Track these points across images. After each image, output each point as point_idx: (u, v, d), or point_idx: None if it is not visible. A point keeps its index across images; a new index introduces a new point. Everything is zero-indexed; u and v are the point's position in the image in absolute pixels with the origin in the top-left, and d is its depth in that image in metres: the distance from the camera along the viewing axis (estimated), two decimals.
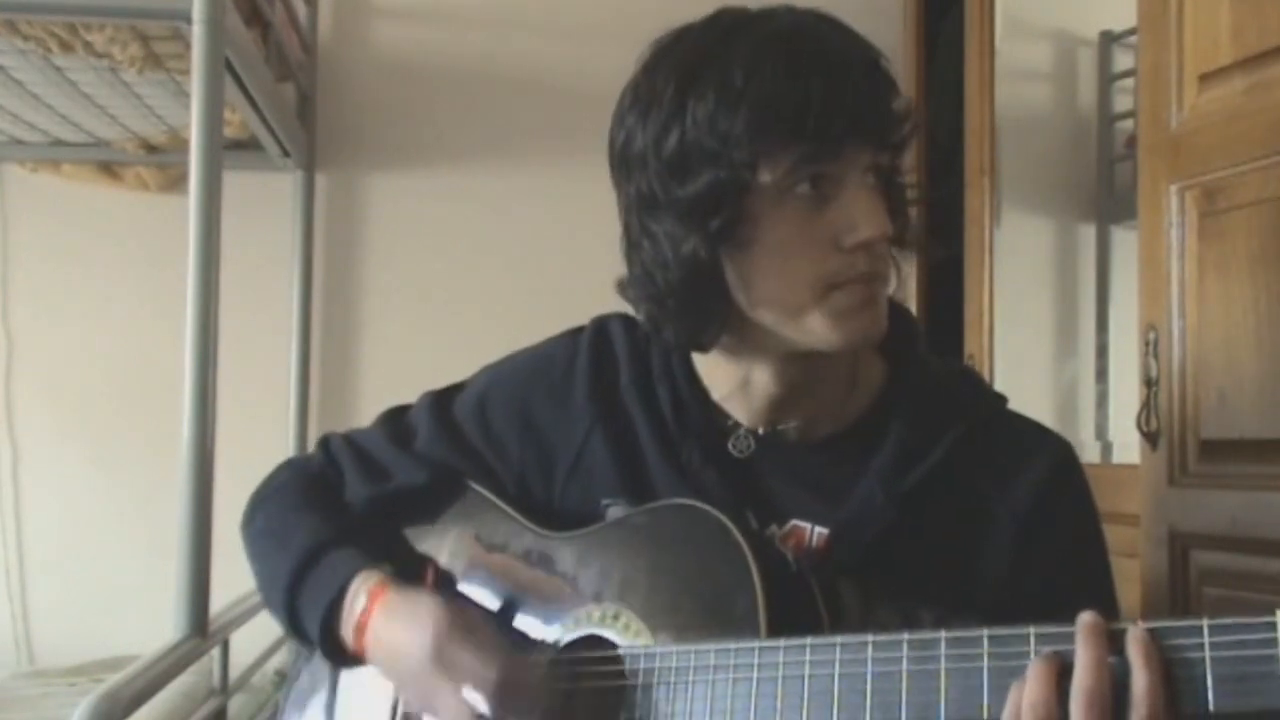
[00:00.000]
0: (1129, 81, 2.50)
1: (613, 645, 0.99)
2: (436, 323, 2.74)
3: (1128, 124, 2.50)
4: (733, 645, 0.91)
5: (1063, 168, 2.62)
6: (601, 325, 1.15)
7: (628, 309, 1.08)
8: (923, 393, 1.05)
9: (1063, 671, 0.78)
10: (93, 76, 2.09)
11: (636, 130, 0.97)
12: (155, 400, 2.51)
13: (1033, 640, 0.80)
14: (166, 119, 2.42)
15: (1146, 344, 1.64)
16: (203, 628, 1.64)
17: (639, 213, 0.99)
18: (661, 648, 0.95)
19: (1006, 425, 1.08)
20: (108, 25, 1.87)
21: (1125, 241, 2.46)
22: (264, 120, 2.26)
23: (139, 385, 2.64)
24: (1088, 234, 2.59)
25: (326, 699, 1.15)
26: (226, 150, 1.77)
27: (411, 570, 1.10)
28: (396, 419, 1.20)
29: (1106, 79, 2.61)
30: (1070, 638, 0.79)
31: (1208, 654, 0.74)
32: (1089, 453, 2.43)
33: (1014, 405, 1.10)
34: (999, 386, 1.57)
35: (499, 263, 2.77)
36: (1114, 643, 0.78)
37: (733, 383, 1.05)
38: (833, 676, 0.85)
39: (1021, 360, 2.43)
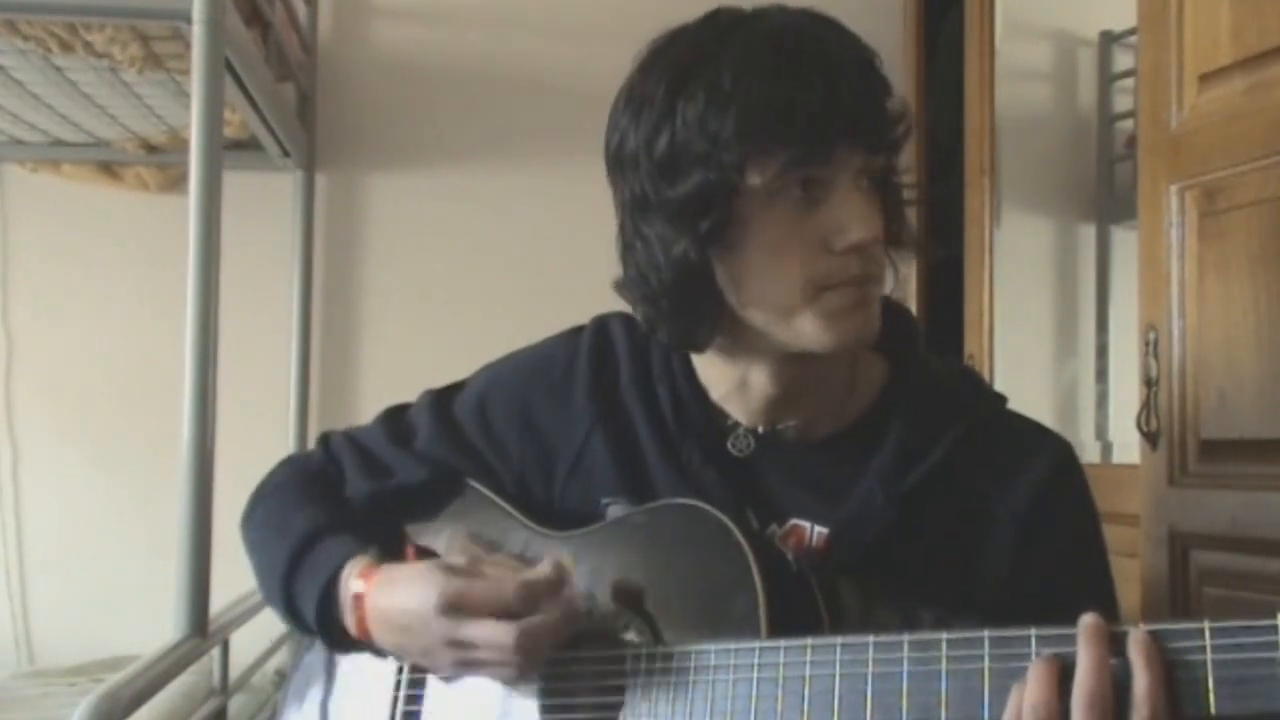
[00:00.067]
0: (1129, 81, 2.50)
1: (613, 645, 0.99)
2: (436, 323, 2.74)
3: (1128, 124, 2.50)
4: (733, 645, 0.91)
5: (1063, 168, 2.62)
6: (602, 325, 1.15)
7: (628, 308, 1.08)
8: (923, 393, 1.06)
9: (1064, 673, 0.78)
10: (93, 76, 2.09)
11: (629, 131, 0.97)
12: (155, 400, 2.51)
13: (1034, 642, 0.80)
14: (166, 119, 2.41)
15: (1146, 344, 1.64)
16: (203, 628, 1.64)
17: (632, 214, 0.99)
18: (661, 648, 0.95)
19: (1006, 425, 1.08)
20: (108, 25, 1.86)
21: (1125, 241, 2.46)
22: (264, 120, 2.26)
23: (139, 385, 2.64)
24: (1088, 234, 2.59)
25: (324, 692, 1.15)
26: (226, 150, 1.77)
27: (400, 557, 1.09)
28: (396, 418, 1.20)
29: (1106, 79, 2.61)
30: (1071, 640, 0.79)
31: (1209, 656, 0.74)
32: (1089, 453, 2.43)
33: (1014, 405, 1.10)
34: (999, 386, 1.57)
35: (499, 263, 2.77)
36: (1115, 645, 0.78)
37: (730, 382, 1.05)
38: (834, 677, 0.85)
39: (1021, 360, 2.43)
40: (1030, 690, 0.78)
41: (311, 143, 2.73)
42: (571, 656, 1.01)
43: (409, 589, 0.97)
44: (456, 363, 1.24)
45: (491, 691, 1.03)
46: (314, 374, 2.74)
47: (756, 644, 0.90)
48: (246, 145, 2.49)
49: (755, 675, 0.89)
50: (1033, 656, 0.80)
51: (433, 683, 1.06)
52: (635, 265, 1.00)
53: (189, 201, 1.65)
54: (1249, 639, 0.73)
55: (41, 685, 2.28)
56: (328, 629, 1.04)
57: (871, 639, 0.85)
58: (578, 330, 1.16)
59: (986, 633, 0.82)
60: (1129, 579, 1.60)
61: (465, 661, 0.96)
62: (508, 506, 1.11)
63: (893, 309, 1.08)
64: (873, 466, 1.02)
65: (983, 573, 1.01)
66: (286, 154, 2.57)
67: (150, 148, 2.62)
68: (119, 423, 2.67)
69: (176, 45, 1.90)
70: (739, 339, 1.01)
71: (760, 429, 1.06)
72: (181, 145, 2.43)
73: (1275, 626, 0.72)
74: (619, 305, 1.09)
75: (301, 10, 2.62)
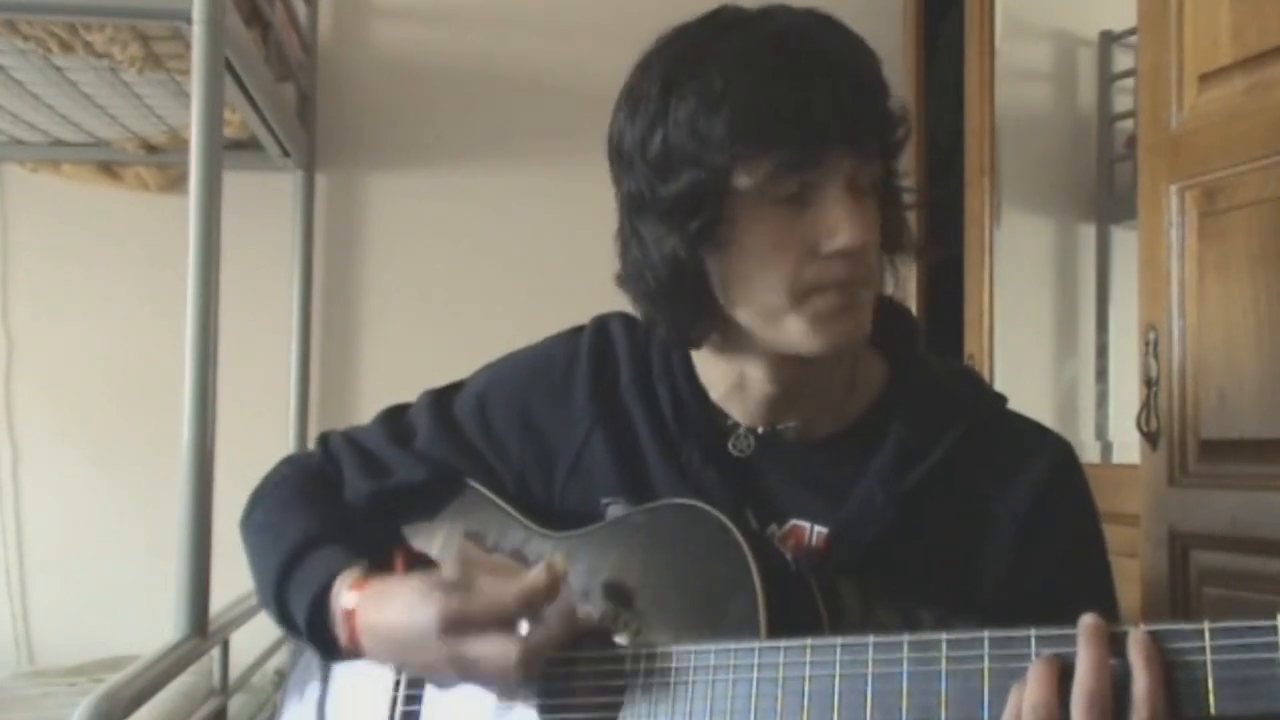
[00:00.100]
0: (1129, 81, 2.50)
1: (612, 645, 0.99)
2: (436, 323, 2.74)
3: (1128, 124, 2.50)
4: (733, 646, 0.91)
5: (1063, 168, 2.62)
6: (602, 325, 1.15)
7: (627, 308, 1.08)
8: (923, 393, 1.05)
9: (1064, 673, 0.78)
10: (93, 76, 2.09)
11: (626, 128, 0.98)
12: (155, 400, 2.51)
13: (1034, 642, 0.80)
14: (166, 119, 2.41)
15: (1146, 344, 1.64)
16: (203, 628, 1.64)
17: (629, 210, 1.00)
18: (661, 648, 0.95)
19: (1006, 425, 1.08)
20: (108, 25, 1.86)
21: (1125, 241, 2.46)
22: (264, 120, 2.26)
23: (139, 385, 2.64)
24: (1088, 234, 2.59)
25: (323, 691, 1.15)
26: (226, 150, 1.77)
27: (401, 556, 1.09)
28: (396, 417, 1.20)
29: (1106, 79, 2.61)
30: (1071, 640, 0.79)
31: (1209, 657, 0.74)
32: (1089, 453, 2.43)
33: (1014, 405, 1.09)
34: (999, 386, 1.57)
35: (499, 263, 2.77)
36: (1115, 645, 0.78)
37: (729, 382, 1.06)
38: (833, 677, 0.85)
39: (1021, 360, 2.43)
40: (1030, 690, 0.78)
41: (311, 143, 2.73)
42: (571, 656, 1.01)
43: (406, 606, 0.96)
44: (456, 363, 1.24)
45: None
46: (314, 374, 2.74)
47: (756, 644, 0.89)
48: (246, 145, 2.49)
49: (755, 675, 0.89)
50: (1033, 657, 0.80)
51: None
52: (632, 261, 1.00)
53: (189, 201, 1.65)
54: (1249, 640, 0.73)
55: (41, 685, 2.28)
56: (319, 640, 1.04)
57: (871, 639, 0.85)
58: (577, 330, 1.16)
59: (986, 633, 0.82)
60: (1129, 579, 1.60)
61: (468, 676, 0.96)
62: (507, 507, 1.11)
63: (893, 309, 1.08)
64: (873, 466, 1.02)
65: (983, 573, 1.01)
66: (286, 154, 2.57)
67: (150, 148, 2.62)
68: (119, 423, 2.67)
69: (176, 45, 1.90)
70: (734, 337, 1.01)
71: (760, 429, 1.06)
72: (181, 145, 2.43)
73: (1275, 627, 0.72)
74: (619, 305, 1.09)
75: (301, 10, 2.62)
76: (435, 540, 1.14)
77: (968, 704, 0.81)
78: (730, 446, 1.07)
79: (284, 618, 1.08)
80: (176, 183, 2.66)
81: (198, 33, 1.64)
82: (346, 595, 1.01)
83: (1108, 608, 0.99)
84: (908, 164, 1.03)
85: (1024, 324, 2.46)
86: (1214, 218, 1.56)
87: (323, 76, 2.76)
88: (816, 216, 0.93)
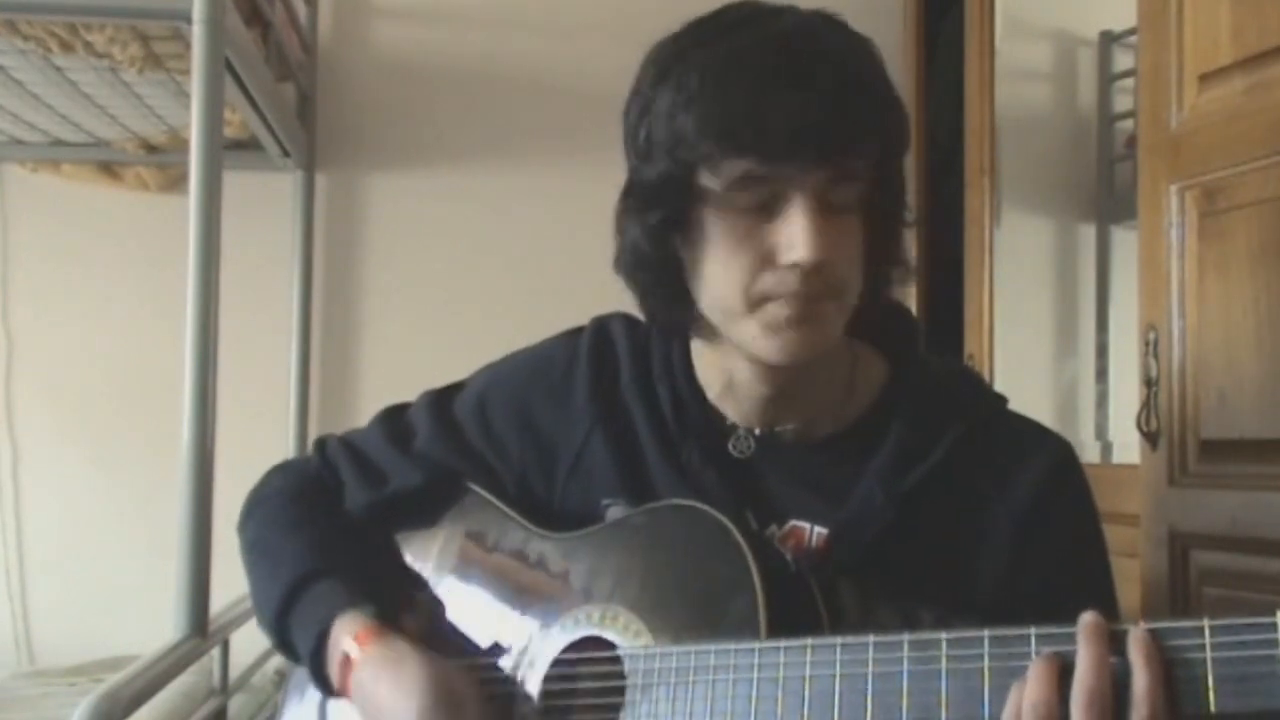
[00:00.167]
0: (1129, 81, 2.50)
1: (612, 646, 0.99)
2: (436, 323, 2.74)
3: (1128, 124, 2.50)
4: (733, 646, 0.91)
5: (1063, 168, 2.62)
6: (602, 325, 1.15)
7: (628, 309, 1.08)
8: (923, 393, 1.05)
9: (1064, 672, 0.78)
10: (93, 76, 2.09)
11: (627, 115, 1.00)
12: (155, 400, 2.51)
13: (1034, 641, 0.80)
14: (166, 119, 2.41)
15: (1146, 344, 1.64)
16: (203, 628, 1.64)
17: (621, 194, 1.01)
18: (661, 648, 0.95)
19: (1006, 425, 1.08)
20: (108, 25, 1.86)
21: (1125, 241, 2.46)
22: (264, 120, 2.26)
23: (139, 385, 2.64)
24: (1088, 234, 2.59)
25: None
26: (226, 150, 1.77)
27: (401, 591, 1.10)
28: (395, 418, 1.20)
29: (1106, 79, 2.61)
30: (1071, 638, 0.79)
31: (1209, 654, 0.74)
32: (1089, 453, 2.43)
33: (1014, 405, 1.09)
34: (999, 386, 1.57)
35: (499, 263, 2.76)
36: (1115, 643, 0.78)
37: (722, 381, 1.06)
38: (834, 677, 0.85)
39: (1021, 360, 2.43)
40: (1030, 689, 0.78)
41: (311, 143, 2.73)
42: (571, 658, 1.01)
43: (395, 692, 0.98)
44: (456, 363, 1.24)
45: (492, 693, 1.03)
46: (314, 374, 2.74)
47: (756, 644, 0.89)
48: (246, 145, 2.49)
49: (755, 676, 0.89)
50: (1033, 655, 0.80)
51: None
52: (617, 243, 1.02)
53: (189, 201, 1.65)
54: (1249, 637, 0.73)
55: (41, 685, 2.28)
56: (317, 676, 1.06)
57: (871, 639, 0.85)
58: (577, 331, 1.16)
59: (986, 632, 0.81)
60: (1129, 579, 1.60)
61: None
62: (507, 509, 1.11)
63: (893, 309, 1.08)
64: (872, 467, 1.02)
65: (982, 573, 1.01)
66: (286, 154, 2.57)
67: (150, 148, 2.62)
68: (119, 423, 2.67)
69: (176, 45, 1.90)
70: (714, 332, 1.02)
71: (758, 430, 1.06)
72: (181, 145, 2.43)
73: (1275, 624, 0.72)
74: (619, 305, 1.09)
75: (301, 10, 2.62)
76: (435, 544, 1.14)
77: (968, 703, 0.81)
78: (730, 447, 1.07)
79: (284, 648, 1.10)
80: (176, 183, 2.66)
81: (198, 33, 1.64)
82: (347, 641, 1.02)
83: (1108, 607, 0.99)
84: (908, 166, 1.02)
85: (1024, 324, 2.46)
86: (1214, 218, 1.56)
87: (323, 76, 2.76)
88: (778, 227, 0.93)
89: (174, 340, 1.66)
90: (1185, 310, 1.59)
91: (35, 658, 2.64)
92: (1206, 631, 0.75)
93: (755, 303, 0.95)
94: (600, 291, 1.08)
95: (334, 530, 1.14)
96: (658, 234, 0.97)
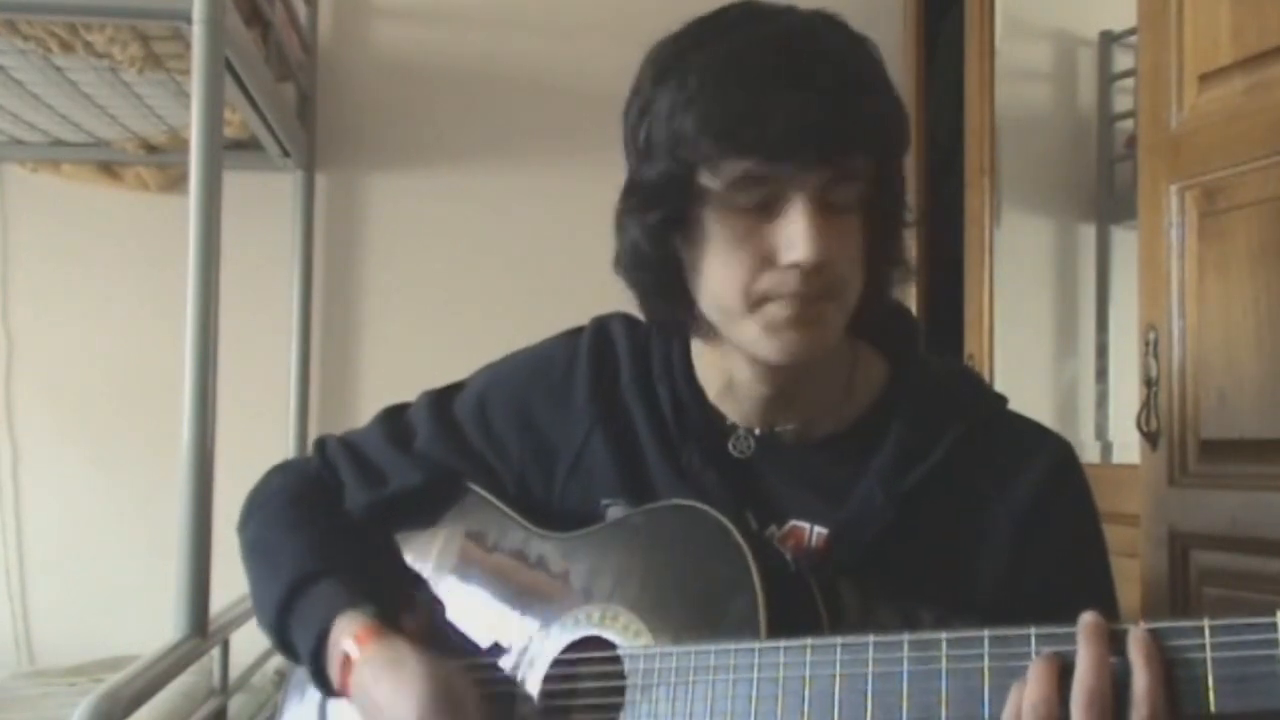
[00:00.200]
0: (1129, 81, 2.50)
1: (612, 646, 0.99)
2: (436, 323, 2.74)
3: (1128, 124, 2.50)
4: (733, 646, 0.91)
5: (1063, 168, 2.62)
6: (602, 325, 1.15)
7: (628, 309, 1.08)
8: (923, 393, 1.05)
9: (1064, 672, 0.78)
10: (93, 76, 2.09)
11: (627, 115, 1.00)
12: (155, 400, 2.51)
13: (1034, 640, 0.80)
14: (166, 119, 2.41)
15: (1146, 344, 1.64)
16: (203, 628, 1.64)
17: (621, 193, 1.01)
18: (661, 649, 0.95)
19: (1006, 425, 1.08)
20: (108, 25, 1.86)
21: (1125, 241, 2.46)
22: (264, 120, 2.26)
23: (139, 385, 2.64)
24: (1088, 234, 2.59)
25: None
26: (226, 150, 1.77)
27: (401, 591, 1.10)
28: (395, 418, 1.20)
29: (1106, 79, 2.61)
30: (1071, 638, 0.79)
31: (1209, 654, 0.74)
32: (1089, 453, 2.43)
33: (1014, 405, 1.09)
34: (999, 386, 1.57)
35: (499, 263, 2.76)
36: (1115, 643, 0.78)
37: (721, 381, 1.06)
38: (834, 677, 0.85)
39: (1021, 360, 2.43)
40: (1030, 689, 0.78)
41: (311, 143, 2.73)
42: (571, 658, 1.01)
43: (394, 694, 0.98)
44: (456, 363, 1.24)
45: (492, 693, 1.03)
46: (314, 374, 2.74)
47: (756, 644, 0.89)
48: (246, 145, 2.49)
49: (755, 676, 0.89)
50: (1033, 655, 0.80)
51: None
52: (617, 243, 1.02)
53: (189, 201, 1.65)
54: (1248, 637, 0.73)
55: (41, 685, 2.28)
56: (318, 676, 1.06)
57: (871, 639, 0.85)
58: (577, 331, 1.16)
59: (986, 632, 0.81)
60: (1129, 579, 1.60)
61: None
62: (507, 509, 1.11)
63: (893, 309, 1.08)
64: (872, 466, 1.02)
65: (982, 572, 1.01)
66: (286, 154, 2.57)
67: (150, 148, 2.62)
68: (119, 423, 2.67)
69: (176, 45, 1.90)
70: (713, 332, 1.02)
71: (757, 430, 1.06)
72: (181, 145, 2.43)
73: (1275, 624, 0.72)
74: (619, 305, 1.09)
75: (301, 10, 2.62)
76: (435, 544, 1.14)
77: (968, 703, 0.81)
78: (730, 447, 1.07)
79: (284, 648, 1.10)
80: (176, 183, 2.66)
81: (198, 33, 1.64)
82: (347, 642, 1.03)
83: (1108, 607, 0.99)
84: (908, 166, 1.02)
85: (1024, 324, 2.46)
86: (1214, 218, 1.56)
87: (323, 76, 2.76)
88: (779, 227, 0.93)
89: (174, 340, 1.67)
90: (1185, 310, 1.59)
91: (35, 658, 2.64)
92: (1206, 631, 0.75)
93: (755, 303, 0.95)
94: (600, 291, 1.08)
95: (334, 530, 1.14)
96: (658, 234, 0.97)
